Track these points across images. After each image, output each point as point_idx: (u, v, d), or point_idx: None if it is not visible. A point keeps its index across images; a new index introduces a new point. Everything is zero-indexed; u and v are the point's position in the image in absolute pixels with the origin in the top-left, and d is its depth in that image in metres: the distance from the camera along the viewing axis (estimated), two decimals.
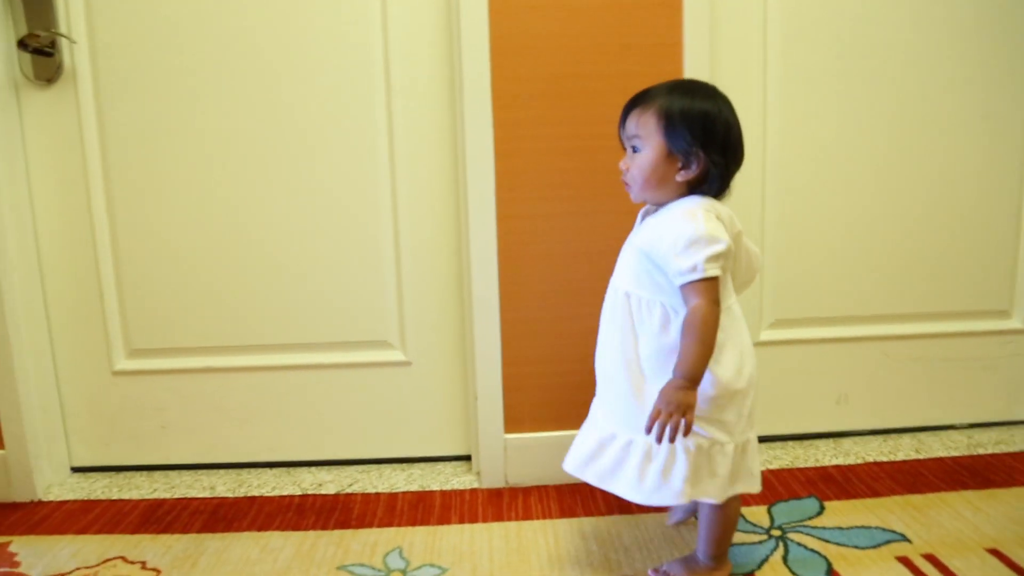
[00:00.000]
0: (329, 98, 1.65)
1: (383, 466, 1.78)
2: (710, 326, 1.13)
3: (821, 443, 1.81)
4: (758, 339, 1.76)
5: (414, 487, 1.68)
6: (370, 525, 1.53)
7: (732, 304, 1.23)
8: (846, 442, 1.81)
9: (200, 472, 1.80)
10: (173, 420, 1.79)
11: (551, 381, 1.64)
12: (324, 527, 1.53)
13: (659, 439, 1.13)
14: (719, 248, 1.13)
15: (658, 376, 1.18)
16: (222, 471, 1.80)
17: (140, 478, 1.79)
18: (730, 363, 1.18)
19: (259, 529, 1.53)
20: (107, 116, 1.67)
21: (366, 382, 1.75)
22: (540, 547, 1.42)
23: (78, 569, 1.42)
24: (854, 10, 1.67)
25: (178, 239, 1.70)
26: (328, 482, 1.72)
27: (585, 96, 1.57)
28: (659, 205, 1.24)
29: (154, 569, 1.41)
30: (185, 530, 1.54)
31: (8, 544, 1.53)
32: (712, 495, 1.20)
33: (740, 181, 1.67)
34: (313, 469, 1.79)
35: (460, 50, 1.54)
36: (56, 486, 1.76)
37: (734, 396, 1.19)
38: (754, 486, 1.25)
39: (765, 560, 1.35)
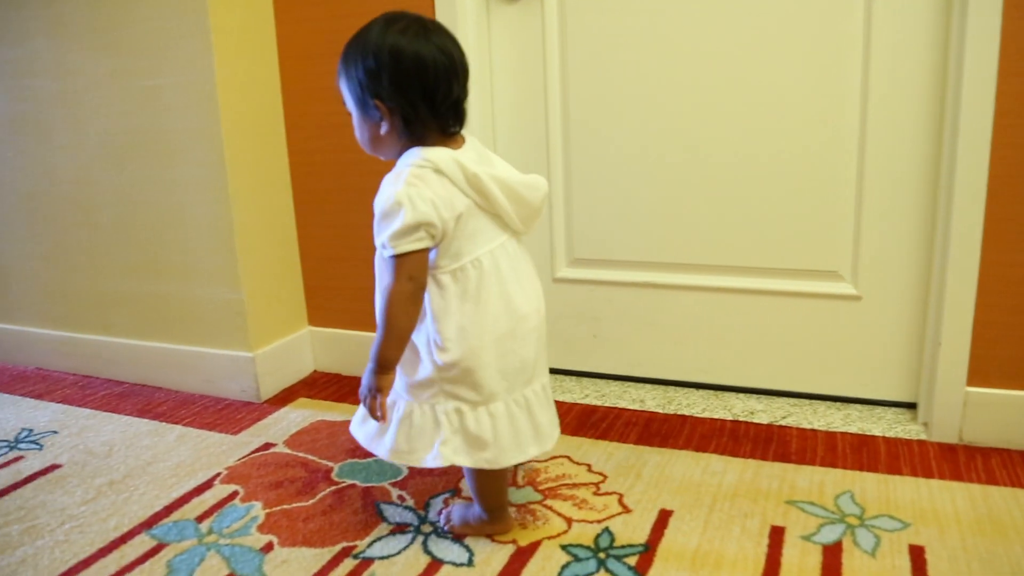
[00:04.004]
0: (796, 12, 1.55)
1: (815, 402, 1.71)
2: (394, 307, 1.11)
3: None
4: None
5: (853, 429, 1.59)
6: (811, 462, 1.48)
7: (466, 264, 1.14)
8: None
9: (627, 384, 1.86)
10: (606, 331, 1.85)
11: None
12: (763, 457, 1.50)
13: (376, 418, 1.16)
14: (398, 226, 1.06)
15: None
16: (649, 386, 1.84)
17: (570, 382, 1.89)
18: (449, 333, 1.14)
19: (696, 449, 1.54)
20: (568, 31, 1.71)
21: (808, 313, 1.67)
22: (1016, 518, 1.28)
23: (530, 461, 1.53)
24: None
25: (626, 154, 1.72)
26: (760, 411, 1.69)
27: None
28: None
29: (600, 473, 1.48)
30: (622, 439, 1.60)
31: None
32: (443, 461, 1.18)
33: None
34: (742, 396, 1.76)
35: None
36: None
37: (450, 368, 1.15)
38: (479, 460, 1.19)
39: None
